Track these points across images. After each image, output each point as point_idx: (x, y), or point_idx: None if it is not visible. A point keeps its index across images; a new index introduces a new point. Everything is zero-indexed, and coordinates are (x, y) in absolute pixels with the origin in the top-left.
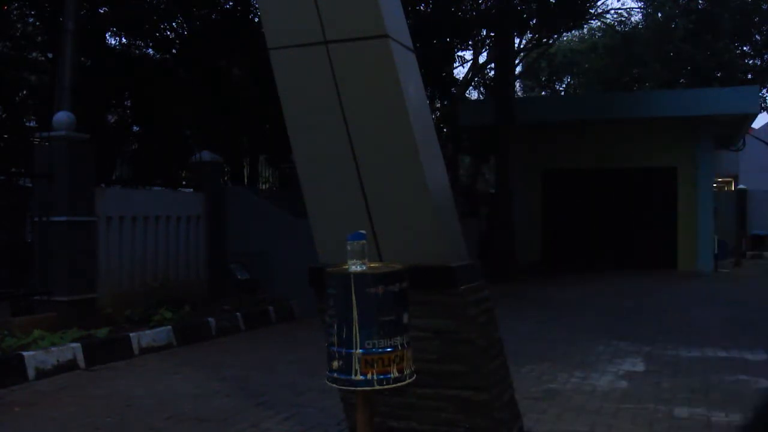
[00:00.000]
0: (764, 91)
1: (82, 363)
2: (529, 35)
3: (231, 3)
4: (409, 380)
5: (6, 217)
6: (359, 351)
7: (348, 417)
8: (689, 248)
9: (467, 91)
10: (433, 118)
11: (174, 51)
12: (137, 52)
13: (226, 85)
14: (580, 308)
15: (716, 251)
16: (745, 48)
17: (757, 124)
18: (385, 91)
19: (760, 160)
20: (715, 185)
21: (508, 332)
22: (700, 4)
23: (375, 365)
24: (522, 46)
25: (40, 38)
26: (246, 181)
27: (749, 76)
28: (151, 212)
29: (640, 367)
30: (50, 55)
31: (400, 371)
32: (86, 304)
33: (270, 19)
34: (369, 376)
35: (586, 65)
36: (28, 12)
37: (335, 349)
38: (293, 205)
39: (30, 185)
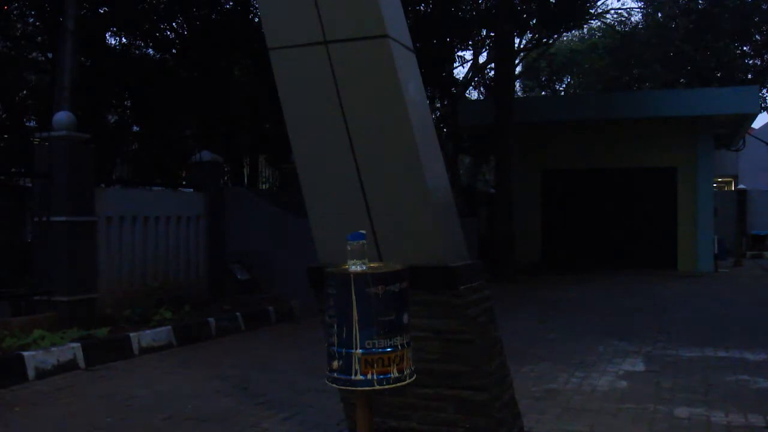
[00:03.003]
0: (764, 91)
1: (82, 363)
2: (529, 35)
3: (231, 3)
4: (409, 380)
5: (6, 217)
6: (359, 351)
7: (348, 417)
8: (689, 248)
9: (467, 91)
10: (433, 118)
11: (174, 51)
12: (137, 52)
13: (226, 85)
14: (580, 308)
15: (716, 251)
16: (745, 48)
17: (757, 124)
18: (385, 91)
19: (760, 160)
20: (715, 185)
21: (508, 332)
22: (700, 4)
23: (375, 365)
24: (522, 46)
25: (40, 38)
26: (246, 181)
27: (749, 76)
28: (151, 212)
29: (640, 367)
30: (50, 55)
31: (400, 371)
32: (86, 304)
33: (270, 19)
34: (369, 376)
35: (586, 65)
36: (28, 12)
37: (335, 349)
38: (293, 205)
39: (30, 185)
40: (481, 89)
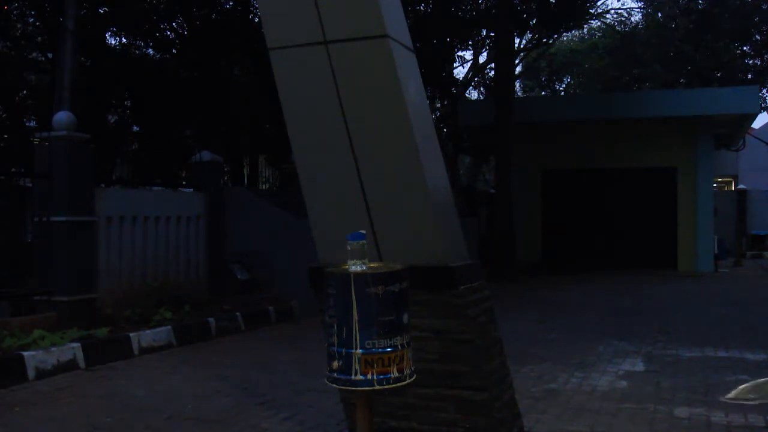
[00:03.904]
0: (764, 91)
1: (82, 363)
2: (529, 35)
3: (231, 3)
4: (409, 380)
5: (6, 217)
6: (359, 351)
7: (348, 417)
8: (689, 248)
9: (467, 91)
10: (433, 118)
11: (174, 51)
12: (137, 52)
13: (226, 85)
14: (580, 308)
15: (716, 251)
16: (745, 48)
17: (757, 124)
18: (385, 91)
19: (760, 160)
20: (715, 185)
21: (508, 332)
22: (700, 4)
23: (375, 365)
24: (522, 46)
25: (40, 38)
26: (246, 181)
27: (749, 76)
28: (151, 212)
29: (640, 367)
30: (50, 55)
31: (400, 371)
32: (86, 304)
33: (270, 19)
34: (369, 376)
35: (586, 65)
36: (28, 12)
37: (335, 349)
38: (293, 205)
39: (30, 185)
40: (481, 89)
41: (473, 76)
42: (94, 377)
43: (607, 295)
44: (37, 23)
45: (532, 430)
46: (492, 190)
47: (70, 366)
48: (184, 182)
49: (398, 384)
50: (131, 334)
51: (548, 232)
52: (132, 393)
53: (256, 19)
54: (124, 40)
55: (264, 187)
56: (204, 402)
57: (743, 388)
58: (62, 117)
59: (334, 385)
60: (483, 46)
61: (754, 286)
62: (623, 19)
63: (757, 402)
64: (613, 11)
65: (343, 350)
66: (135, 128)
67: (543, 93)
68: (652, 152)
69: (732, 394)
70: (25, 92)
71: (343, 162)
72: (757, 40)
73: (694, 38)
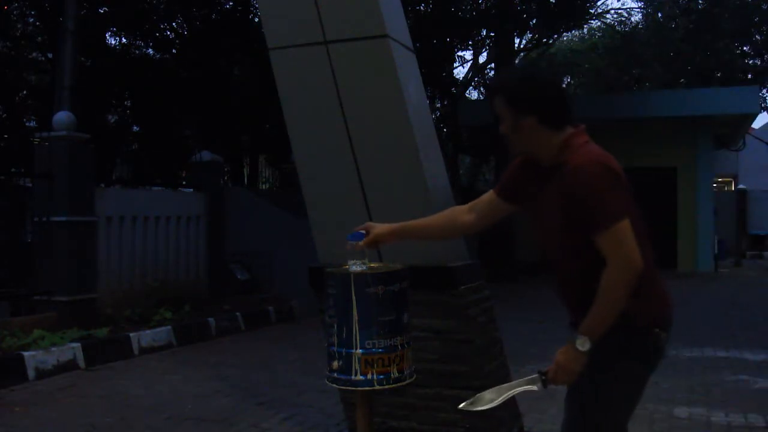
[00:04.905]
0: (764, 91)
1: (82, 363)
2: (529, 35)
3: (231, 3)
4: (410, 380)
5: (6, 217)
6: (359, 351)
7: (348, 417)
8: (689, 248)
9: (467, 91)
10: (433, 118)
11: (174, 51)
12: (137, 52)
13: (226, 85)
14: None
15: (716, 251)
16: (745, 48)
17: (757, 124)
18: (385, 91)
19: (760, 160)
20: (715, 185)
21: (508, 332)
22: (700, 4)
23: (375, 365)
24: (522, 46)
25: (40, 38)
26: (246, 181)
27: (749, 76)
28: (151, 212)
29: None
30: (50, 55)
31: (401, 371)
32: (86, 304)
33: (270, 19)
34: (369, 376)
35: (586, 65)
36: (28, 12)
37: (335, 349)
38: (293, 205)
39: (30, 185)
40: (481, 89)
41: (473, 76)
42: (94, 377)
43: None
44: (37, 23)
45: (532, 430)
46: None
47: (70, 366)
48: (184, 182)
49: (398, 384)
50: (131, 334)
51: None
52: (132, 393)
53: (256, 19)
54: (124, 40)
55: (264, 187)
56: (204, 402)
57: (470, 402)
58: (62, 117)
59: (334, 385)
60: (483, 46)
61: (754, 286)
62: (623, 19)
63: (482, 408)
64: (613, 11)
65: (343, 350)
66: (135, 128)
67: None
68: (652, 152)
69: (464, 405)
70: (25, 92)
71: (343, 162)
72: (757, 40)
73: (694, 38)
